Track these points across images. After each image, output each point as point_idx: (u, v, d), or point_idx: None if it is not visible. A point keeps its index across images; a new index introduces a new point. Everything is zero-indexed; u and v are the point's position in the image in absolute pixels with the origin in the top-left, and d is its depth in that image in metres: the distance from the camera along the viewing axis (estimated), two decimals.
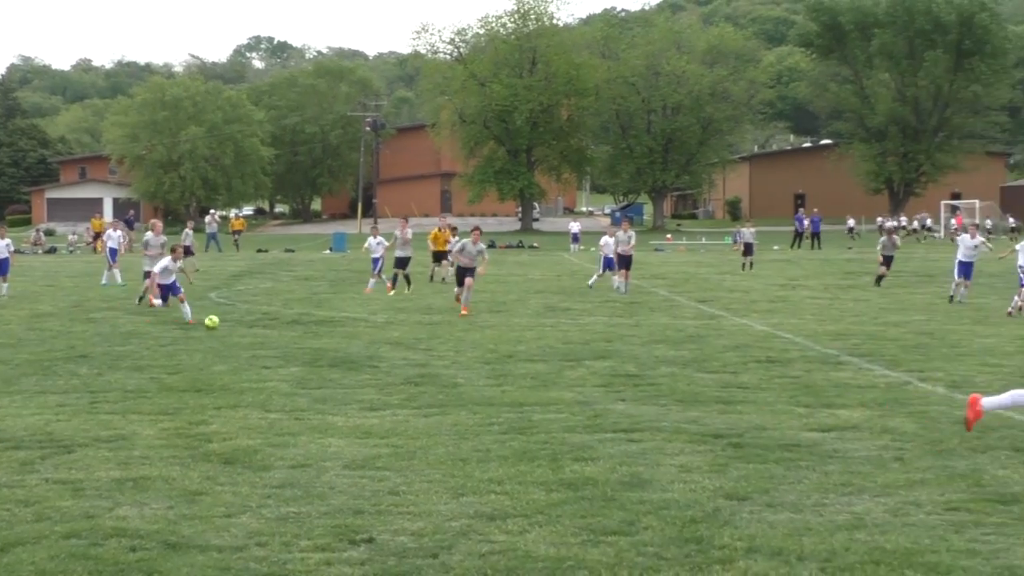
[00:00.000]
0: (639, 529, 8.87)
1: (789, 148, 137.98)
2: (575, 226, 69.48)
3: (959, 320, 24.71)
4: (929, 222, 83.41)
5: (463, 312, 25.86)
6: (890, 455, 11.48)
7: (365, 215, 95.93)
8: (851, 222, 76.56)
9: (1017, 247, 27.29)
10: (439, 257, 37.51)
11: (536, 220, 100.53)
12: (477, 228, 28.42)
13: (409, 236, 33.43)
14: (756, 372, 17.31)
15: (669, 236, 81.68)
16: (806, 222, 69.13)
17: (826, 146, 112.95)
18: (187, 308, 24.26)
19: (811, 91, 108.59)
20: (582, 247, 61.84)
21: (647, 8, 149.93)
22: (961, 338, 21.36)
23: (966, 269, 27.18)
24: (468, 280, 26.32)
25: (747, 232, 45.59)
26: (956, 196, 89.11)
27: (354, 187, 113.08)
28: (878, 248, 35.68)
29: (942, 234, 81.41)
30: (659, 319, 25.65)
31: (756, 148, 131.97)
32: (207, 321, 22.85)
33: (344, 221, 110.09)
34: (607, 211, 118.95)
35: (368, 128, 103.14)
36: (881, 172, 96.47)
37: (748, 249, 44.83)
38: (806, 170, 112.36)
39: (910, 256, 54.09)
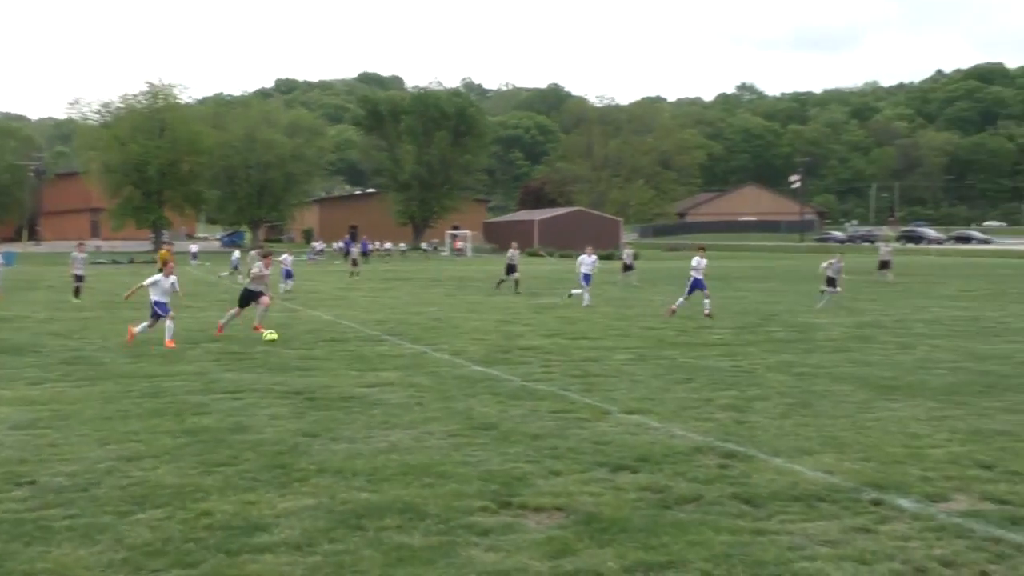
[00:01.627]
0: (241, 461, 8.62)
1: (346, 194, 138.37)
2: (194, 247, 66.57)
3: (459, 310, 25.59)
4: (426, 246, 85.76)
5: (257, 329, 18.84)
6: (414, 401, 11.73)
7: (30, 239, 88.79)
8: (388, 245, 77.66)
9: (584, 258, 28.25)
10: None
11: (165, 243, 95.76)
12: (269, 253, 21.59)
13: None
14: (324, 348, 17.23)
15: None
16: (354, 247, 70.17)
17: (371, 193, 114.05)
18: None
19: (360, 155, 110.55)
20: (199, 262, 59.30)
21: (246, 93, 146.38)
22: (459, 322, 22.13)
23: (587, 279, 27.13)
24: (264, 300, 19.24)
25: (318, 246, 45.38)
26: (456, 227, 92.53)
27: (20, 218, 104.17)
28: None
29: (448, 252, 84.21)
30: (254, 312, 24.97)
31: (323, 193, 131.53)
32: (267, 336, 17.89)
33: (12, 243, 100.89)
34: (219, 236, 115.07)
35: (31, 174, 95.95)
36: (407, 211, 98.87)
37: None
38: (358, 209, 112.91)
39: (429, 268, 55.51)
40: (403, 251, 78.77)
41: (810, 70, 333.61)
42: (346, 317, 23.51)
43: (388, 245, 77.94)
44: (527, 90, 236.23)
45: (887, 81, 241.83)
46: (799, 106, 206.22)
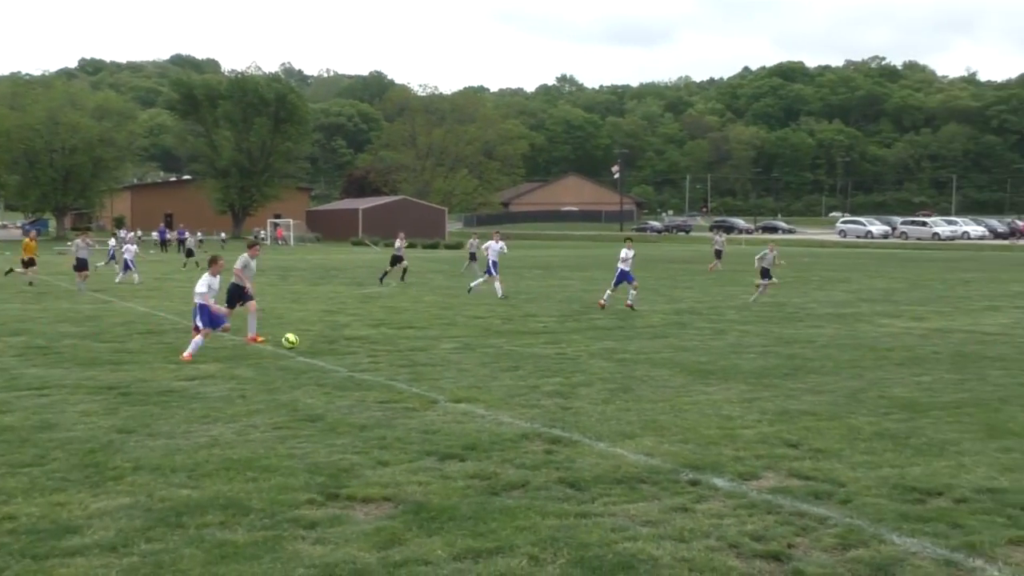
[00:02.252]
0: (49, 460, 8.17)
1: (161, 181, 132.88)
2: None
3: (282, 300, 25.03)
4: (263, 233, 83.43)
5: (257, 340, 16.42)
6: (236, 394, 11.41)
7: None
8: (199, 234, 75.03)
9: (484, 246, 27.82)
10: (28, 264, 30.35)
11: None
12: (256, 243, 18.80)
13: None
14: (139, 341, 16.52)
15: (69, 243, 75.40)
16: (169, 235, 68.25)
17: (188, 180, 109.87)
18: None
19: (175, 141, 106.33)
20: None
21: (47, 73, 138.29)
22: (282, 313, 21.65)
23: (495, 266, 26.27)
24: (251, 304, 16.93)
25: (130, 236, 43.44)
26: (278, 216, 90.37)
27: None
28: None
29: (269, 241, 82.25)
30: (62, 304, 23.72)
31: (136, 180, 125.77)
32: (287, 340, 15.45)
33: None
34: (19, 224, 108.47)
35: None
36: (226, 199, 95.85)
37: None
38: (174, 196, 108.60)
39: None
40: (223, 240, 76.35)
41: (627, 64, 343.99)
42: (162, 308, 22.62)
43: (199, 234, 75.41)
44: (349, 77, 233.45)
45: (699, 76, 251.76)
46: (617, 99, 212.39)
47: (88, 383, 12.07)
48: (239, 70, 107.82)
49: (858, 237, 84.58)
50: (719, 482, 7.62)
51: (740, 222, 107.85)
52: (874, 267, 40.40)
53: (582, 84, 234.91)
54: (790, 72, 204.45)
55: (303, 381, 12.30)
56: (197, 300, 14.66)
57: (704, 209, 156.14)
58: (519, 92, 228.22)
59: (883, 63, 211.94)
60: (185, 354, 14.21)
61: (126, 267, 32.01)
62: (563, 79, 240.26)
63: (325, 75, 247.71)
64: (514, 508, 6.89)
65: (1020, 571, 5.70)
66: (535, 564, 5.83)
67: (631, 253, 22.82)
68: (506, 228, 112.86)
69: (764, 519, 6.68)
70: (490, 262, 26.26)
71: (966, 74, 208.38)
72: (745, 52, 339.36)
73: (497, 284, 25.58)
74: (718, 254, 40.47)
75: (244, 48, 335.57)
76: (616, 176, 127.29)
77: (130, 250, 32.53)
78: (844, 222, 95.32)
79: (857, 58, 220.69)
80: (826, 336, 17.12)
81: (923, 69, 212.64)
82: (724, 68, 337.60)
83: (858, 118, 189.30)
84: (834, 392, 11.51)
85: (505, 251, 27.27)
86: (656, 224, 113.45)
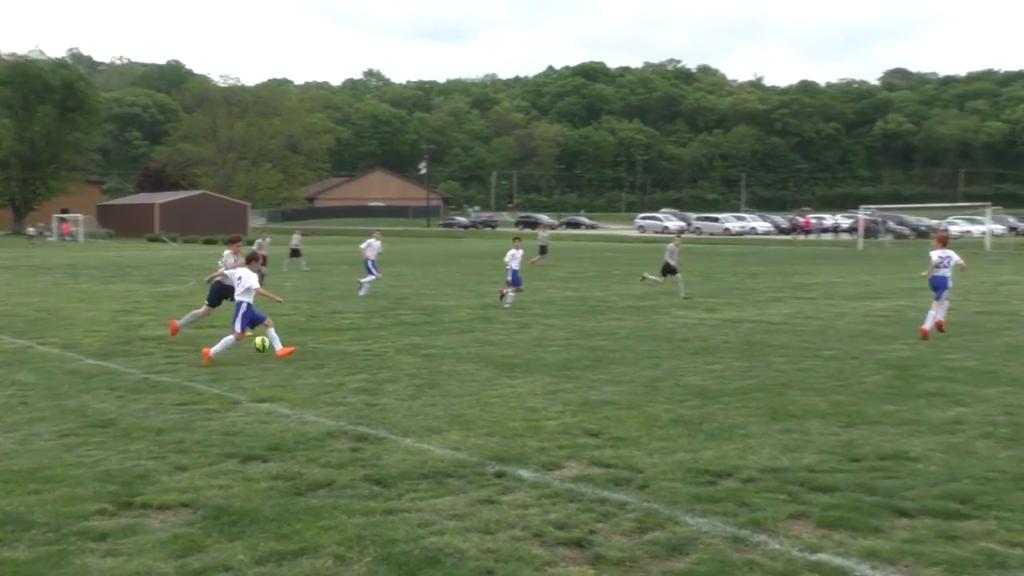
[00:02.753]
0: None
1: None
2: None
3: (70, 300, 23.71)
4: (32, 230, 78.36)
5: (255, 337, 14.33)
6: (17, 401, 10.72)
7: None
8: None
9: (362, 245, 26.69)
10: None
11: None
12: (238, 239, 17.24)
13: None
14: None
15: None
16: None
17: None
18: None
19: None
20: None
21: None
22: (70, 313, 20.51)
23: (373, 264, 25.50)
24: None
25: None
26: (65, 211, 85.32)
27: None
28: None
29: (56, 237, 77.81)
30: None
31: None
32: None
33: None
34: None
35: None
36: (6, 192, 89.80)
37: None
38: None
39: (35, 254, 50.86)
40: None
41: (433, 60, 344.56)
42: None
43: None
44: (144, 65, 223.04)
45: (504, 74, 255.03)
46: (424, 94, 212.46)
47: None
48: (19, 54, 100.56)
49: (656, 232, 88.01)
50: (524, 473, 7.76)
51: (545, 218, 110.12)
52: None
53: (389, 79, 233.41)
54: (592, 72, 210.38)
55: (93, 385, 11.69)
56: (247, 299, 13.60)
57: (510, 205, 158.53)
58: (325, 86, 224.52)
59: (678, 66, 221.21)
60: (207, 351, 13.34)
61: None
62: (370, 73, 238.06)
63: (118, 63, 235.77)
64: (319, 508, 6.80)
65: (798, 543, 6.09)
66: (341, 563, 5.77)
67: (519, 253, 22.93)
68: (312, 223, 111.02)
69: (567, 507, 6.85)
70: (369, 262, 25.59)
71: (753, 78, 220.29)
72: (549, 51, 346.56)
73: (366, 284, 24.89)
74: (542, 249, 41.17)
75: (25, 31, 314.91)
76: (423, 172, 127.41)
77: None
78: (643, 218, 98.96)
79: (655, 60, 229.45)
80: (626, 328, 17.73)
81: (715, 73, 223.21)
82: (529, 67, 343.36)
83: (656, 118, 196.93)
84: (633, 382, 11.94)
85: (380, 251, 26.78)
86: (462, 219, 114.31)
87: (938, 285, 16.48)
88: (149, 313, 20.41)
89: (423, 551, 5.94)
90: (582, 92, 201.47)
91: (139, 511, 6.79)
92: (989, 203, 64.60)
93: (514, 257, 22.78)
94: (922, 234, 70.67)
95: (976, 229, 64.15)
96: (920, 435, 8.99)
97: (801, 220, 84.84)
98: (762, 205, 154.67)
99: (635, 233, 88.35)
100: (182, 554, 5.91)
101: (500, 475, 7.70)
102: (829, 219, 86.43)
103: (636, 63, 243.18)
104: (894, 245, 61.38)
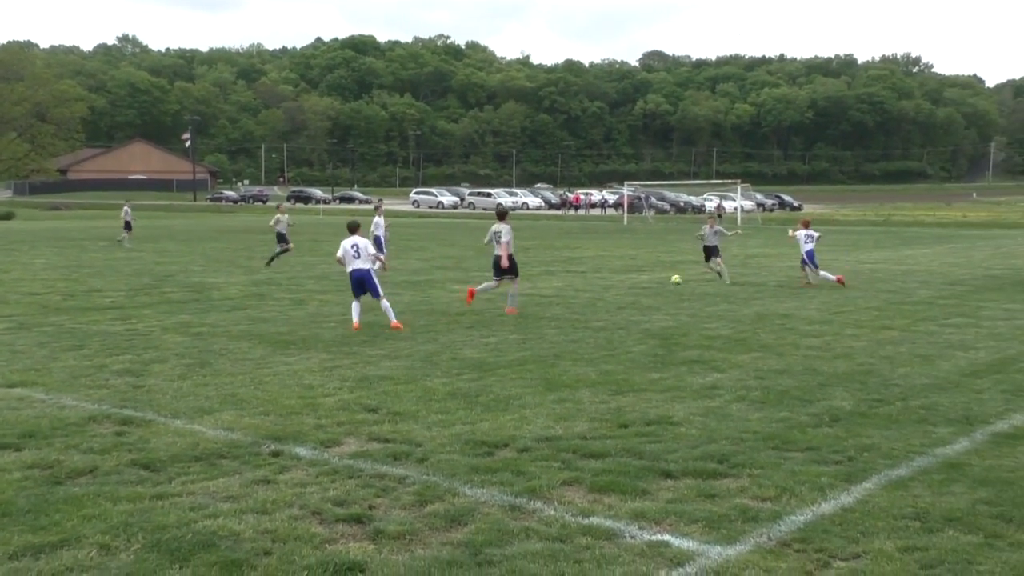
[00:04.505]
0: None
1: None
2: None
3: None
4: None
5: None
6: None
7: None
8: None
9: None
10: None
11: None
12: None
13: None
14: None
15: None
16: None
17: None
18: None
19: None
20: None
21: None
22: None
23: (385, 242, 23.87)
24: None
25: None
26: None
27: None
28: None
29: None
30: None
31: None
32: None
33: None
34: None
35: None
36: None
37: None
38: None
39: None
40: None
41: (194, 27, 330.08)
42: None
43: None
44: None
45: (271, 45, 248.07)
46: (185, 63, 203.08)
47: None
48: None
49: (430, 207, 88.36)
50: (301, 451, 7.64)
51: (318, 192, 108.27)
52: (445, 236, 42.45)
53: (146, 46, 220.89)
54: (362, 45, 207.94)
55: None
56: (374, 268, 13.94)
57: (281, 179, 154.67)
58: (75, 51, 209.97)
59: (448, 42, 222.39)
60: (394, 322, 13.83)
61: None
62: (125, 39, 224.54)
63: None
64: (81, 496, 6.43)
65: (572, 508, 6.32)
66: (106, 553, 5.49)
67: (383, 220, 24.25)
68: (66, 197, 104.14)
69: (346, 484, 6.81)
70: (378, 237, 24.01)
71: (521, 56, 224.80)
72: (316, 23, 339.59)
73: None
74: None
75: None
76: (187, 144, 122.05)
77: None
78: (417, 193, 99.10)
79: (424, 35, 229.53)
80: (403, 303, 17.72)
81: (484, 49, 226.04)
82: (296, 38, 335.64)
83: (427, 93, 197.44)
84: (411, 356, 11.98)
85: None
86: (231, 194, 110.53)
87: (810, 258, 20.74)
88: None
89: (196, 535, 5.74)
90: (352, 65, 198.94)
91: None
92: (739, 180, 68.83)
93: (378, 225, 23.90)
94: (681, 210, 74.60)
95: (729, 205, 68.27)
96: (682, 400, 9.52)
97: (571, 196, 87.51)
98: (533, 180, 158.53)
99: (410, 208, 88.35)
100: None
101: (276, 454, 7.55)
102: (597, 195, 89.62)
103: (406, 38, 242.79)
104: (656, 220, 64.46)
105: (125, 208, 37.33)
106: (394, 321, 14.16)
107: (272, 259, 26.44)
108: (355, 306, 14.34)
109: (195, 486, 6.73)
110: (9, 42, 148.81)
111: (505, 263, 16.14)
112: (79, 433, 8.09)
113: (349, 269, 14.32)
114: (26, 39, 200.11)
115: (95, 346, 12.59)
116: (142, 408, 9.02)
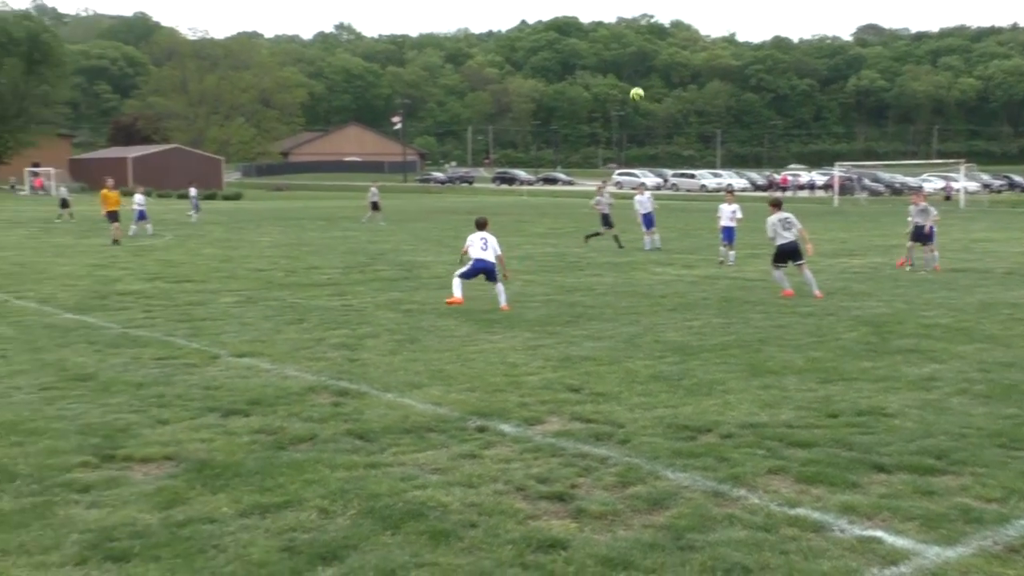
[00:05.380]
0: None
1: None
2: None
3: (45, 254, 23.47)
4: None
5: None
6: None
7: None
8: None
9: None
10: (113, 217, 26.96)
11: None
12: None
13: None
14: None
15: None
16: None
17: None
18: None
19: None
20: None
21: None
22: (46, 267, 20.32)
23: (649, 219, 25.47)
24: None
25: None
26: (37, 165, 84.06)
27: None
28: None
29: (28, 191, 77.10)
30: None
31: None
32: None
33: None
34: None
35: None
36: None
37: None
38: None
39: (6, 208, 50.19)
40: None
41: (405, 13, 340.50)
42: None
43: None
44: (110, 17, 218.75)
45: (477, 28, 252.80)
46: (396, 48, 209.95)
47: None
48: None
49: (632, 189, 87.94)
50: (506, 428, 7.80)
51: (522, 173, 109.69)
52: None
53: (360, 33, 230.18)
54: (565, 27, 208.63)
55: (71, 339, 11.61)
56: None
57: (487, 161, 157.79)
58: (296, 39, 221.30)
59: (652, 21, 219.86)
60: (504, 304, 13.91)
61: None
62: (341, 27, 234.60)
63: (84, 14, 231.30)
64: (302, 462, 6.81)
65: (777, 497, 6.16)
66: (325, 516, 5.79)
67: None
68: (287, 179, 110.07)
69: (549, 462, 6.90)
70: (641, 215, 25.42)
71: (727, 34, 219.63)
72: (521, 5, 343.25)
73: (648, 238, 25.49)
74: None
75: None
76: (397, 126, 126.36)
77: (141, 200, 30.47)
78: (620, 174, 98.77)
79: (628, 15, 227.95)
80: (605, 284, 17.77)
81: (688, 28, 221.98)
82: (502, 21, 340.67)
83: (630, 73, 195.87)
84: (613, 338, 11.98)
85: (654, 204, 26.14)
86: (439, 175, 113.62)
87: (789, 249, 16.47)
88: (125, 268, 20.25)
89: (406, 504, 5.97)
90: (556, 47, 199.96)
91: (122, 464, 6.78)
92: (963, 160, 64.89)
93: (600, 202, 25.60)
94: (896, 191, 71.03)
95: (952, 186, 64.50)
96: (896, 391, 9.09)
97: (778, 177, 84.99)
98: (737, 162, 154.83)
99: (613, 189, 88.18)
100: (166, 506, 5.91)
101: (482, 430, 7.74)
102: (805, 176, 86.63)
103: (609, 18, 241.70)
104: (869, 202, 61.69)
105: (372, 189, 39.22)
106: (504, 304, 14.16)
107: (592, 235, 26.45)
108: (458, 282, 14.27)
109: (405, 457, 7.00)
110: (238, 33, 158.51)
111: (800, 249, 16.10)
112: (300, 402, 8.56)
113: (474, 257, 14.41)
114: (252, 30, 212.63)
115: (314, 320, 13.27)
116: (357, 380, 9.44)
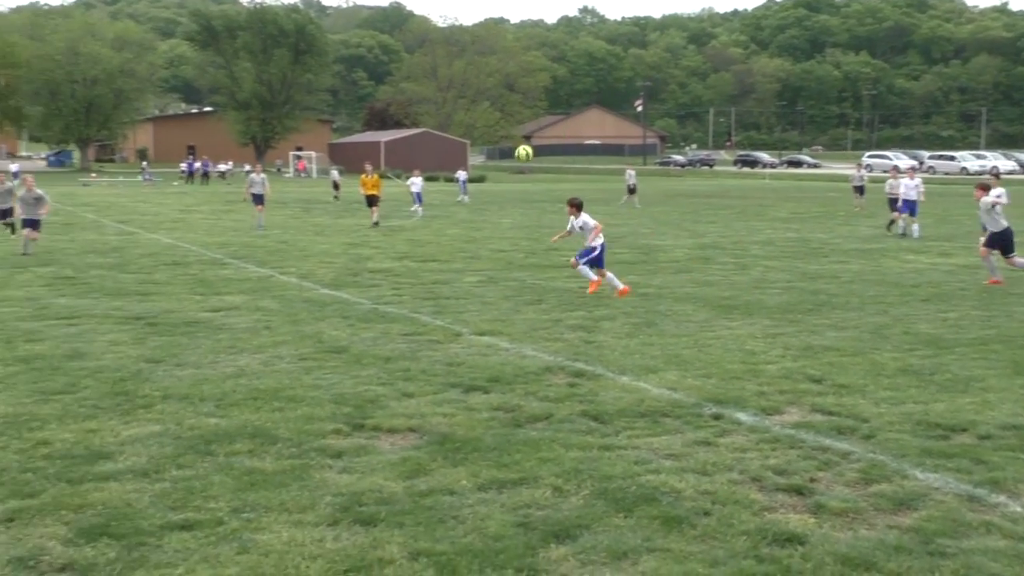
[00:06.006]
0: (80, 388, 8.29)
1: (182, 112, 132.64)
2: (14, 166, 62.67)
3: (305, 233, 25.09)
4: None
5: None
6: (261, 325, 11.49)
7: None
8: (221, 166, 74.59)
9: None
10: (371, 201, 28.53)
11: None
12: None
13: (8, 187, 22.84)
14: (165, 272, 16.64)
15: (94, 175, 75.59)
16: (196, 165, 67.69)
17: (209, 112, 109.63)
18: None
19: (195, 73, 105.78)
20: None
21: (65, 3, 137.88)
22: (306, 245, 21.71)
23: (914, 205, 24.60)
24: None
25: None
26: (300, 148, 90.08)
27: None
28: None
29: (292, 173, 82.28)
30: (89, 236, 23.88)
31: (157, 112, 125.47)
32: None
33: None
34: (44, 155, 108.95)
35: None
36: (248, 131, 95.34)
37: None
38: (195, 128, 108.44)
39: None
40: (247, 172, 76.24)
41: None
42: (186, 240, 22.73)
43: (223, 166, 75.07)
44: (368, 8, 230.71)
45: (722, 8, 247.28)
46: (639, 30, 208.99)
47: (116, 313, 12.19)
48: (257, 1, 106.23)
49: (884, 172, 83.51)
50: (742, 416, 7.63)
51: (764, 156, 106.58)
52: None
53: (603, 16, 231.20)
54: (815, 3, 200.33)
55: (327, 313, 12.36)
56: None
57: (728, 144, 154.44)
58: (540, 24, 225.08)
59: None
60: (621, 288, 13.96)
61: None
62: (584, 10, 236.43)
63: (344, 6, 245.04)
64: (538, 440, 6.94)
65: None
66: (559, 495, 5.88)
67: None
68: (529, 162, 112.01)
69: (787, 453, 6.70)
70: (901, 200, 24.22)
71: (998, 3, 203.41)
72: None
73: (908, 225, 24.16)
74: (860, 190, 35.56)
75: None
76: (639, 109, 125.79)
77: (417, 183, 32.27)
78: (870, 156, 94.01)
79: None
80: (851, 272, 17.01)
81: None
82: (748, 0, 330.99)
83: (885, 50, 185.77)
84: (858, 328, 11.46)
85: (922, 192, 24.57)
86: (679, 158, 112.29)
87: None
88: (376, 247, 21.33)
89: (639, 488, 5.96)
90: (804, 24, 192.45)
91: (370, 433, 7.16)
92: None
93: (908, 187, 23.99)
94: None
95: None
96: None
97: None
98: (1005, 142, 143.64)
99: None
100: (410, 476, 6.19)
101: (717, 417, 7.61)
102: None
103: None
104: None
105: (629, 172, 39.60)
106: (621, 287, 13.99)
107: (891, 224, 25.29)
108: (610, 276, 14.18)
109: (639, 441, 6.99)
110: (485, 19, 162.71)
111: None
112: (536, 381, 8.72)
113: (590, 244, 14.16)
114: (499, 15, 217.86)
115: (552, 301, 13.48)
116: (592, 362, 9.52)
